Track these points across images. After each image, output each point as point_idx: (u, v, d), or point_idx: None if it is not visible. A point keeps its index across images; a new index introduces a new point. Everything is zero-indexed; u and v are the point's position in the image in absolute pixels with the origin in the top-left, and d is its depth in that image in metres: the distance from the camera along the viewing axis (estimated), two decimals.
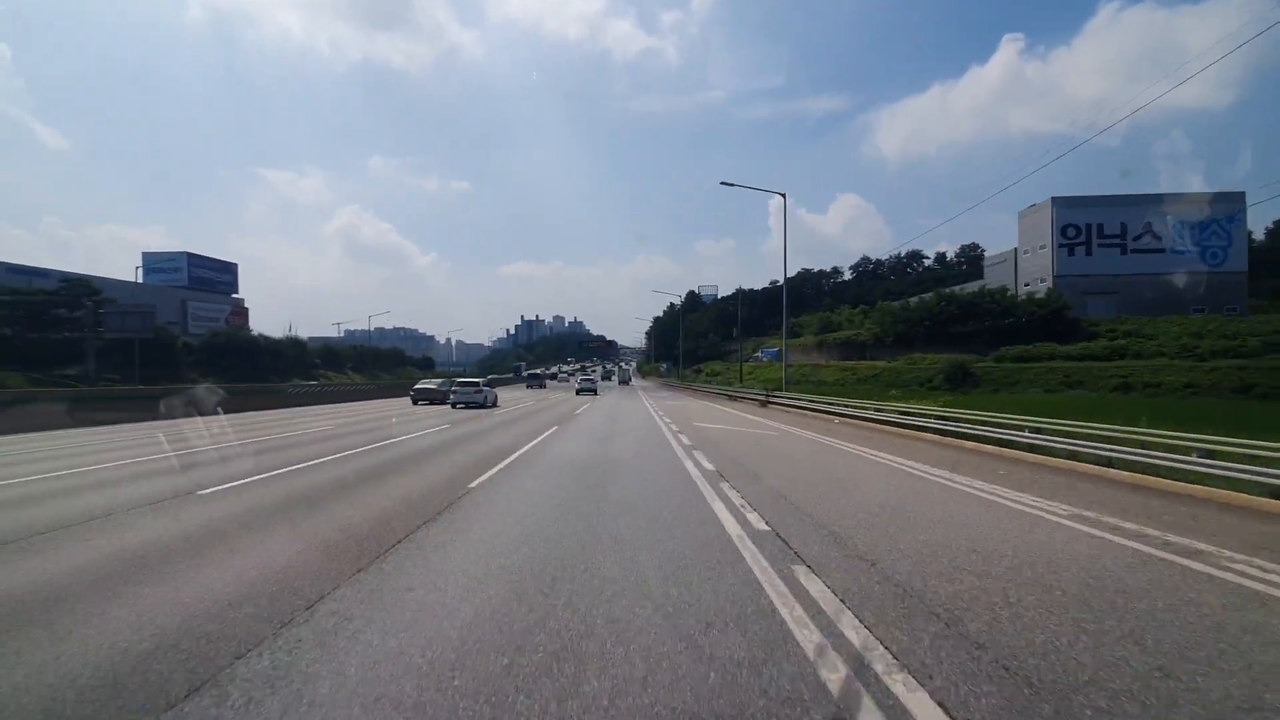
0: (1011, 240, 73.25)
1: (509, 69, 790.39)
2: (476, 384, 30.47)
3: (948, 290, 65.86)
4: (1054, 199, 61.44)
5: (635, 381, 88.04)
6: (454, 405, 27.95)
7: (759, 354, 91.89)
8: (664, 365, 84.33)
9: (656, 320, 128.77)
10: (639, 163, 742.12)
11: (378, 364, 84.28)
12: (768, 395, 27.65)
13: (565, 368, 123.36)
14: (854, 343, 69.75)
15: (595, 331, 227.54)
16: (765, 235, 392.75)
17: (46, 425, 18.16)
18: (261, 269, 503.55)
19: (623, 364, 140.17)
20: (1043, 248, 63.60)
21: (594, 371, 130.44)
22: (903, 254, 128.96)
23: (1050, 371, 46.23)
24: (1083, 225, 61.22)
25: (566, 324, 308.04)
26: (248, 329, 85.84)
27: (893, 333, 65.02)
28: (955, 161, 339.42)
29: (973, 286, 66.65)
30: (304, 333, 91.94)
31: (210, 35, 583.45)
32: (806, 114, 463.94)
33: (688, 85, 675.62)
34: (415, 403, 32.06)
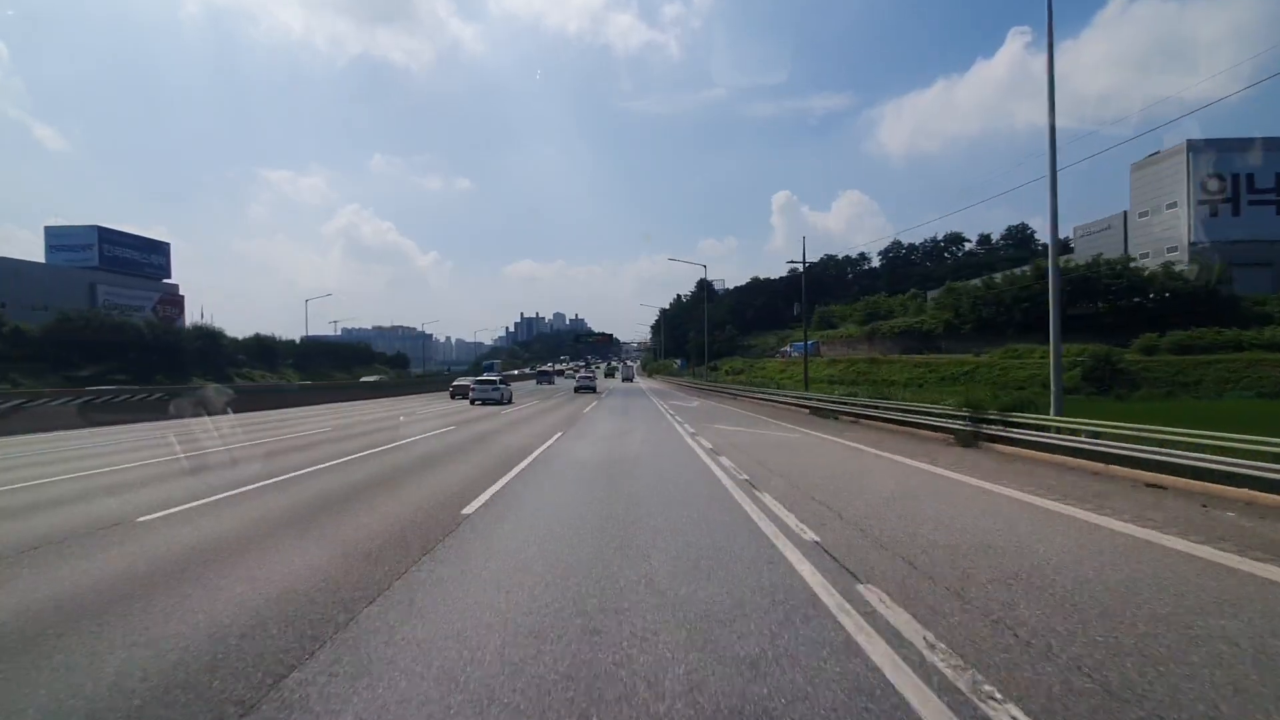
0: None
1: (510, 64, 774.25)
2: (494, 382, 30.94)
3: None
4: (1190, 142, 46.54)
5: (641, 382, 73.63)
6: (473, 401, 28.41)
7: (786, 348, 77.41)
8: (678, 362, 69.13)
9: (663, 312, 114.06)
10: (641, 160, 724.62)
11: (334, 361, 69.74)
12: (974, 418, 11.12)
13: (559, 365, 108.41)
14: (916, 332, 55.13)
15: (597, 329, 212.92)
16: (768, 234, 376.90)
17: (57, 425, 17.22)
18: (263, 269, 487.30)
19: (626, 361, 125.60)
20: (1171, 207, 48.65)
21: (597, 368, 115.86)
22: (940, 237, 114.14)
23: (1253, 366, 31.58)
24: (1228, 176, 46.32)
25: (567, 321, 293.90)
26: (179, 321, 71.85)
27: (971, 319, 50.41)
28: (960, 157, 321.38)
29: (1080, 259, 51.63)
30: (299, 332, 77.86)
31: (208, 33, 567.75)
32: (810, 110, 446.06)
33: (690, 81, 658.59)
34: (453, 397, 33.87)
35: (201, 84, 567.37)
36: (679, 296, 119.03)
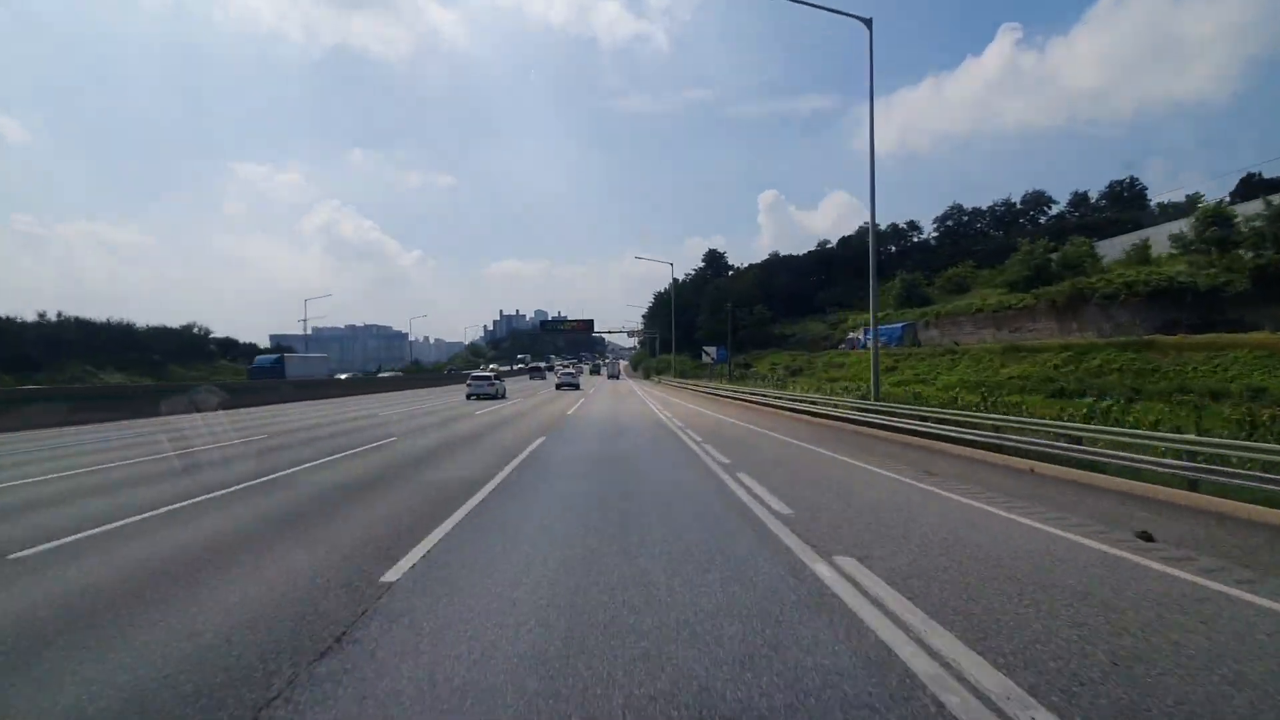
0: None
1: (492, 55, 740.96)
2: (489, 378, 31.19)
3: None
4: None
5: (638, 388, 46.67)
6: (469, 397, 28.45)
7: (856, 334, 50.47)
8: (713, 351, 40.08)
9: (658, 297, 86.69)
10: (629, 157, 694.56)
11: (104, 357, 40.75)
12: None
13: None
14: (1186, 292, 28.28)
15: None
16: (755, 232, 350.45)
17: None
18: (240, 267, 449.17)
19: (618, 360, 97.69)
20: None
21: (583, 365, 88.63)
22: (1015, 200, 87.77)
23: None
24: None
25: (549, 318, 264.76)
26: None
27: None
28: (950, 154, 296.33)
29: None
30: (270, 331, 51.12)
31: (174, 18, 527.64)
32: (798, 108, 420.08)
33: (678, 78, 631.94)
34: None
35: (168, 73, 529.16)
36: (675, 281, 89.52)
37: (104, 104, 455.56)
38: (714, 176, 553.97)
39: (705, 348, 34.02)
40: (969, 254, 75.20)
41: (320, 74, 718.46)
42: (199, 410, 19.65)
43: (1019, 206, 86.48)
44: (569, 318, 75.55)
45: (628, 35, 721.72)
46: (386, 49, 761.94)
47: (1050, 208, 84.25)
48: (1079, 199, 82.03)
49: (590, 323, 69.91)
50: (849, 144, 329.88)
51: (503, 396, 29.36)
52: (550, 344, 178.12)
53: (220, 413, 19.63)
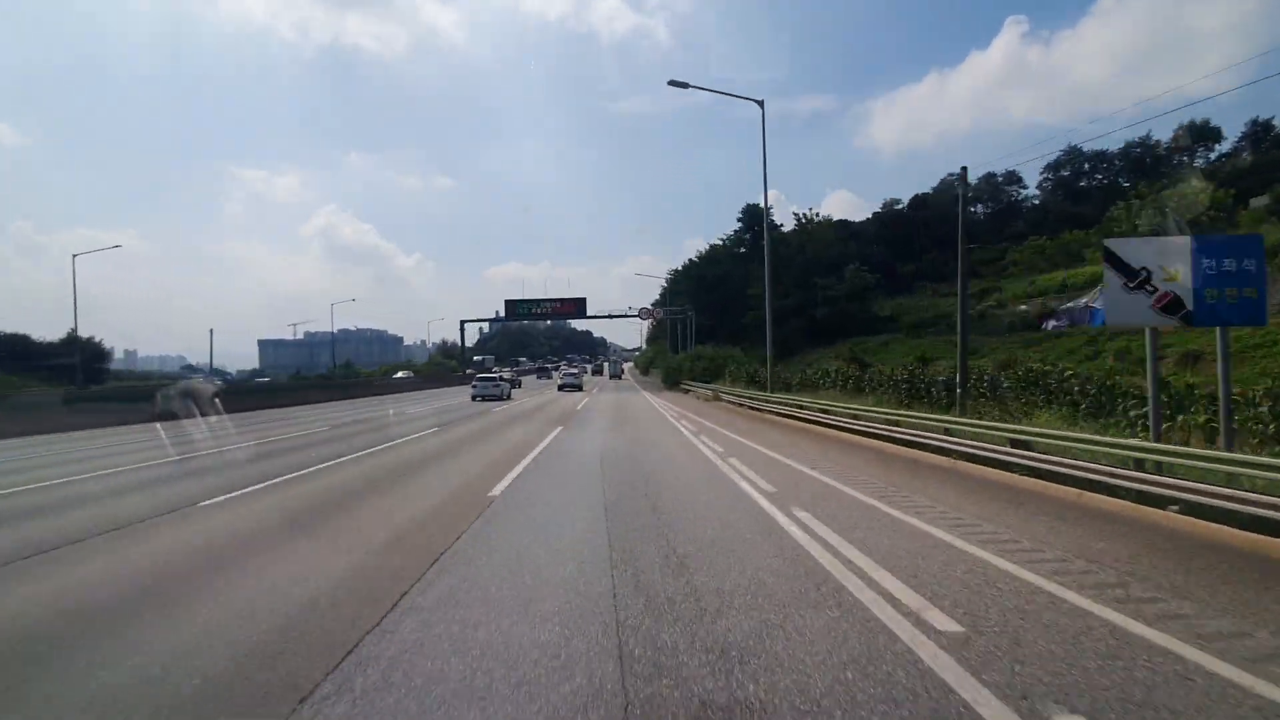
0: None
1: (489, 53, 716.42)
2: (494, 379, 31.82)
3: None
4: None
5: (687, 426, 24.28)
6: (474, 398, 28.62)
7: (1083, 302, 27.33)
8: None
9: (678, 274, 63.53)
10: (629, 157, 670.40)
11: None
12: None
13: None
14: None
15: (586, 333, 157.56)
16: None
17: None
18: (238, 273, 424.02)
19: (617, 359, 76.88)
20: None
21: (580, 366, 67.30)
22: (1159, 139, 63.76)
23: None
24: None
25: (520, 299, 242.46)
26: None
27: None
28: (953, 152, 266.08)
29: None
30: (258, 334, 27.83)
31: (164, 18, 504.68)
32: (798, 107, 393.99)
33: (678, 73, 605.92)
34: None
35: (161, 75, 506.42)
36: (696, 255, 64.29)
37: (101, 109, 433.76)
38: (713, 176, 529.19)
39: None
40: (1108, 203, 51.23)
41: (316, 75, 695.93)
42: None
43: (1165, 148, 62.90)
44: (568, 320, 52.26)
45: (627, 29, 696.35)
46: (383, 49, 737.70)
47: (1216, 145, 60.37)
48: (1259, 130, 58.11)
49: (581, 302, 47.26)
50: (850, 142, 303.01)
51: (507, 398, 29.59)
52: (545, 345, 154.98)
53: None
